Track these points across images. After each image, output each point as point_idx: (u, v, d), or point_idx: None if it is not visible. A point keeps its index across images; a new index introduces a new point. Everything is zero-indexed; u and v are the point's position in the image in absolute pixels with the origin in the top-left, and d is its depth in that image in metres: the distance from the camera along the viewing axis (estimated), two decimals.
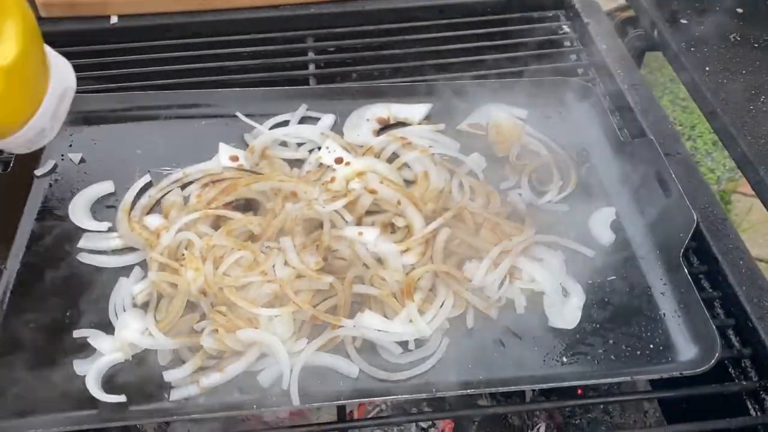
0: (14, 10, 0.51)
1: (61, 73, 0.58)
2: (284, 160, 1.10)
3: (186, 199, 1.03)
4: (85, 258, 0.97)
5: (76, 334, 0.87)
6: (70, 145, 1.13)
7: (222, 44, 1.35)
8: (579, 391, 1.00)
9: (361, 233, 0.95)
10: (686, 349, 0.88)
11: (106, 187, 1.06)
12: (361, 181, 1.02)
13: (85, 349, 0.86)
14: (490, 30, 1.39)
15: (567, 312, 0.91)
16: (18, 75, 0.51)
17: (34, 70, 0.54)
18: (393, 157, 1.10)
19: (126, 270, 0.95)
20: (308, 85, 1.28)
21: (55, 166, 1.09)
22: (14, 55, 0.50)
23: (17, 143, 0.57)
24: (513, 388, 0.85)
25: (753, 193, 1.03)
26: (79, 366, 0.85)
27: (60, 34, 1.30)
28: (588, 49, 1.35)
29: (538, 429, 1.04)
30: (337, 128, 1.16)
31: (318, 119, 1.17)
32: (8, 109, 0.53)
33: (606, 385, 1.02)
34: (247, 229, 0.96)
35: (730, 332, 0.91)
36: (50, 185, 1.07)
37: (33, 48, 0.52)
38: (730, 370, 0.88)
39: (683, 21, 1.30)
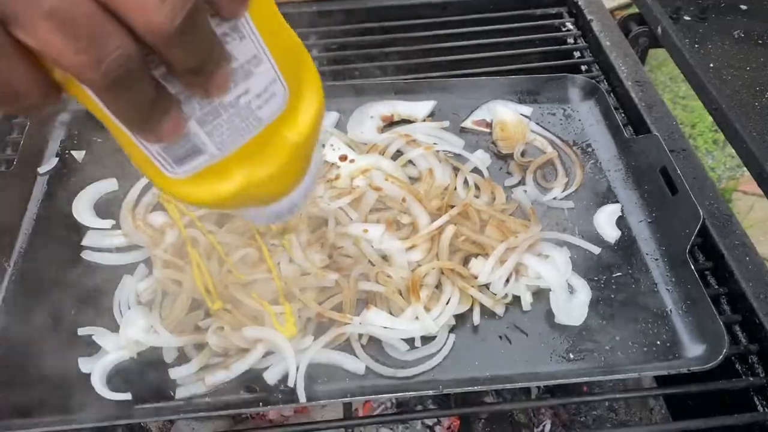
0: (318, 92, 0.52)
1: (319, 153, 0.58)
2: None
3: None
4: (88, 256, 0.96)
5: (81, 332, 0.87)
6: (75, 143, 1.12)
7: None
8: (585, 389, 1.00)
9: (366, 230, 0.94)
10: (693, 346, 0.87)
11: (109, 184, 1.05)
12: (365, 179, 1.02)
13: (89, 347, 0.86)
14: (493, 27, 1.39)
15: (573, 309, 0.91)
16: (301, 151, 0.52)
17: (312, 149, 0.54)
18: (397, 155, 1.10)
19: (130, 268, 0.94)
20: None
21: (59, 164, 1.09)
22: (307, 134, 0.51)
23: (269, 211, 0.57)
24: (519, 385, 0.85)
25: (754, 191, 1.03)
26: (84, 364, 0.84)
27: None
28: (591, 45, 1.35)
29: (544, 426, 1.04)
30: (341, 125, 1.16)
31: None
32: (281, 181, 0.53)
33: (612, 381, 1.01)
34: (252, 226, 0.96)
35: (737, 328, 0.90)
36: (53, 183, 1.06)
37: (318, 127, 0.53)
38: (737, 366, 0.88)
39: (686, 17, 1.30)
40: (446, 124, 1.16)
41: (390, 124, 1.17)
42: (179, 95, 0.41)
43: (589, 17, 1.38)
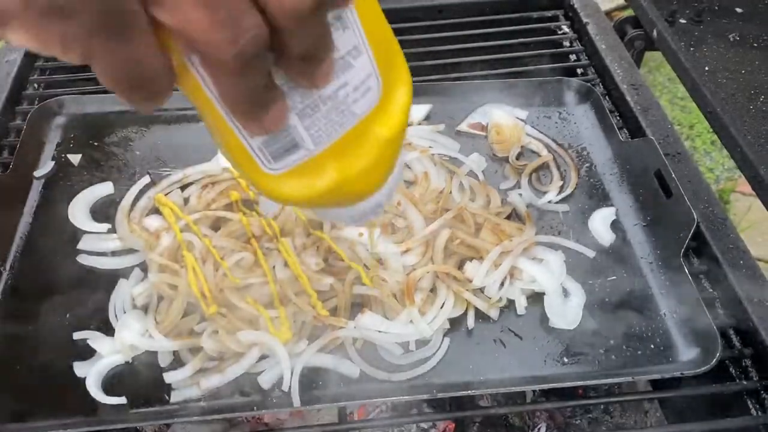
0: (407, 82, 0.50)
1: (402, 153, 0.56)
2: None
3: (186, 201, 1.03)
4: (84, 260, 0.96)
5: (76, 336, 0.87)
6: (71, 146, 1.13)
7: None
8: (580, 392, 1.00)
9: (361, 234, 0.95)
10: (687, 349, 0.88)
11: (105, 188, 1.06)
12: None
13: (85, 351, 0.86)
14: (489, 30, 1.39)
15: (568, 312, 0.91)
16: (392, 147, 0.51)
17: (401, 145, 0.53)
18: None
19: (126, 271, 0.95)
20: None
21: (55, 168, 1.09)
22: (397, 129, 0.50)
23: (357, 210, 0.56)
24: (513, 389, 0.85)
25: (752, 192, 1.03)
26: (80, 368, 0.84)
27: None
28: (587, 49, 1.36)
29: (539, 429, 1.04)
30: None
31: None
32: (372, 177, 0.52)
33: (606, 385, 1.02)
34: (247, 230, 0.96)
35: (731, 332, 0.91)
36: (49, 187, 1.07)
37: (407, 123, 0.51)
38: (730, 369, 0.88)
39: (682, 21, 1.30)
40: (441, 127, 1.17)
41: None
42: (283, 86, 0.41)
43: (584, 20, 1.38)
